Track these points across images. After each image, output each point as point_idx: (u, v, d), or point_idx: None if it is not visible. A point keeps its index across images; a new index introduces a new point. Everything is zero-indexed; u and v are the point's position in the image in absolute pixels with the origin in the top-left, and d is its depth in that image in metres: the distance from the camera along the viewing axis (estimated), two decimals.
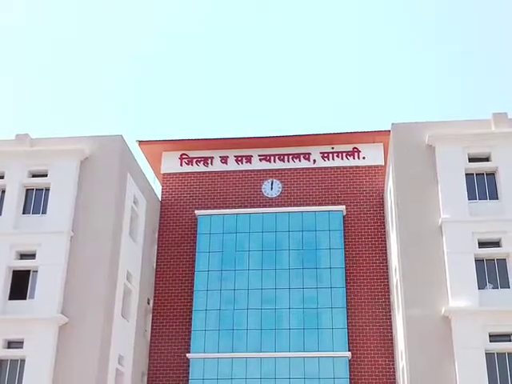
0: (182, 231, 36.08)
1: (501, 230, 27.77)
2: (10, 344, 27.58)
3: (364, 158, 36.15)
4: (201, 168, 37.12)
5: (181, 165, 37.23)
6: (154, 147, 37.17)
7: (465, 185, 28.57)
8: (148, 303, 34.02)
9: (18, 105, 73.15)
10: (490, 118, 29.79)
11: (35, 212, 30.01)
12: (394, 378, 31.40)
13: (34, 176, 30.49)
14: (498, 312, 26.42)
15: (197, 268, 34.80)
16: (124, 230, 30.71)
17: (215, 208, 36.14)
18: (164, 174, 37.35)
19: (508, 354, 26.10)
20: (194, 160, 37.23)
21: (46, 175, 30.22)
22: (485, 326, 26.06)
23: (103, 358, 27.43)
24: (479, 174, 29.27)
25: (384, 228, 34.61)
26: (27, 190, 30.47)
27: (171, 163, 37.30)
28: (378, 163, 35.87)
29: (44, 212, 29.70)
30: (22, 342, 27.26)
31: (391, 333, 32.29)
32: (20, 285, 28.67)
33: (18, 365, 27.15)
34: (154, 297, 34.62)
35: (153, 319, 34.14)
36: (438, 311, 26.58)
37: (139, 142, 36.70)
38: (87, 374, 26.54)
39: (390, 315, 32.61)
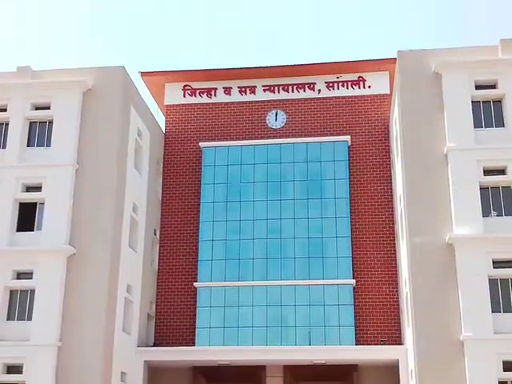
0: (186, 163, 36.12)
1: (506, 158, 27.71)
2: (20, 275, 28.05)
3: (369, 86, 35.74)
4: (204, 99, 36.84)
5: (184, 96, 36.94)
6: (156, 79, 36.82)
7: (471, 112, 28.34)
8: (155, 234, 34.37)
9: (18, 37, 72.17)
10: (498, 45, 29.32)
11: (39, 145, 30.02)
12: (398, 305, 31.93)
13: (36, 109, 30.34)
14: (501, 239, 26.62)
15: (202, 199, 35.00)
16: (129, 162, 30.73)
17: (219, 140, 36.07)
18: (167, 106, 37.12)
19: (511, 279, 26.47)
20: (197, 91, 36.93)
21: (49, 108, 30.05)
22: (488, 253, 26.31)
23: (112, 287, 27.89)
24: (486, 102, 28.99)
25: (389, 157, 34.54)
26: (30, 122, 30.34)
27: (174, 95, 37.01)
28: (383, 92, 35.45)
29: (48, 145, 29.70)
30: (32, 273, 27.72)
31: (395, 261, 32.66)
32: (27, 217, 28.92)
33: (28, 295, 27.67)
34: (161, 228, 34.95)
35: (160, 250, 34.58)
36: (442, 239, 26.79)
37: (141, 73, 36.34)
38: (97, 303, 27.04)
39: (395, 244, 32.91)
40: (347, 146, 34.96)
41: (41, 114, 30.15)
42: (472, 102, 28.58)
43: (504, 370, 24.97)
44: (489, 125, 28.61)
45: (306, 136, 35.47)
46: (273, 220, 34.08)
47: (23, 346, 26.51)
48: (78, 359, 26.26)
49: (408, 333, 28.37)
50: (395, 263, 32.65)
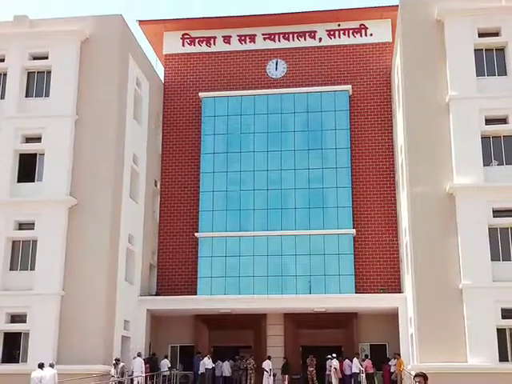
0: (186, 114, 35.92)
1: (508, 107, 27.51)
2: (21, 225, 28.16)
3: (371, 34, 35.25)
4: (203, 48, 36.41)
5: (183, 45, 36.51)
6: (154, 27, 36.38)
7: (473, 61, 28.01)
8: (155, 185, 34.40)
9: None
10: None
11: (38, 95, 29.76)
12: (398, 254, 32.16)
13: (34, 58, 30.00)
14: (502, 188, 26.60)
15: (203, 150, 34.92)
16: (128, 112, 30.53)
17: (219, 90, 35.76)
18: (166, 55, 36.71)
19: (511, 228, 26.57)
20: (196, 40, 36.47)
21: (47, 57, 29.71)
22: (489, 202, 26.35)
23: (113, 237, 28.03)
24: (488, 50, 28.63)
25: (390, 107, 34.31)
26: (29, 72, 30.04)
27: (173, 44, 36.59)
28: (385, 40, 35.01)
29: (47, 95, 29.44)
30: (33, 224, 27.81)
31: (395, 211, 32.76)
32: (27, 168, 28.87)
33: (31, 245, 27.83)
34: (162, 179, 34.97)
35: (161, 201, 34.66)
36: (442, 188, 26.80)
37: (139, 21, 35.87)
38: (99, 253, 27.19)
39: (395, 193, 32.96)
40: (348, 95, 34.69)
41: (39, 64, 29.83)
42: (474, 50, 28.22)
43: (502, 318, 25.27)
44: (491, 73, 28.31)
45: (306, 85, 35.17)
46: (273, 171, 34.06)
47: (27, 296, 26.79)
48: (81, 308, 26.55)
49: (407, 281, 28.63)
50: (395, 213, 32.77)
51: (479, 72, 28.11)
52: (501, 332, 25.28)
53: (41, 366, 22.35)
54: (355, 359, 29.20)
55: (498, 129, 27.47)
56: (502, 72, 28.24)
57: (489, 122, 27.43)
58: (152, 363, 28.79)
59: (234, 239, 33.16)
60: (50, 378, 21.90)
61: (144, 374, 26.68)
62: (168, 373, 28.53)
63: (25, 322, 26.73)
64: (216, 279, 32.68)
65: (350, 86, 34.68)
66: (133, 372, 26.63)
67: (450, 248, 26.16)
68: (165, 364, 29.30)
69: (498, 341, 24.97)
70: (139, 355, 27.65)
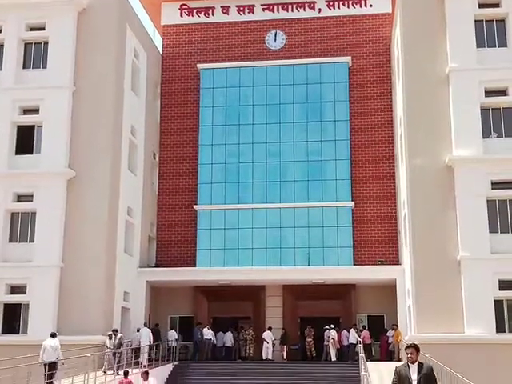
0: (184, 85, 35.69)
1: (508, 79, 27.42)
2: (20, 197, 28.14)
3: (371, 5, 34.82)
4: (202, 19, 36.04)
5: (181, 16, 36.14)
6: None
7: (474, 32, 27.81)
8: (154, 157, 34.31)
9: None
10: None
11: (35, 67, 29.54)
12: (396, 226, 32.22)
13: (31, 29, 29.74)
14: (501, 160, 26.59)
15: (201, 123, 34.77)
16: (126, 84, 30.33)
17: (217, 61, 35.50)
18: (164, 26, 36.36)
19: (509, 200, 26.62)
20: (195, 11, 36.09)
21: (44, 28, 29.42)
22: (487, 174, 26.35)
23: (112, 209, 28.04)
24: (489, 21, 28.41)
25: (390, 79, 34.08)
26: (26, 44, 29.80)
27: (171, 14, 36.21)
28: (385, 11, 34.56)
29: (44, 66, 29.22)
30: (32, 196, 27.79)
31: (394, 183, 32.74)
32: (25, 140, 28.76)
33: (30, 217, 27.85)
34: (160, 151, 34.87)
35: (159, 173, 34.60)
36: (441, 160, 26.78)
37: None
38: (98, 225, 27.20)
39: (394, 166, 32.90)
40: (348, 67, 34.45)
41: (36, 35, 29.57)
42: (475, 21, 28.01)
43: (500, 289, 25.43)
44: (491, 45, 28.17)
45: (305, 57, 34.90)
46: (272, 143, 33.96)
47: (26, 268, 26.89)
48: (80, 279, 26.65)
49: (405, 253, 28.73)
50: (394, 185, 32.74)
51: (479, 43, 27.95)
52: (498, 303, 25.45)
53: (53, 335, 22.33)
54: (352, 330, 29.42)
55: (497, 101, 27.37)
56: (503, 43, 28.09)
57: (488, 93, 27.32)
58: (155, 333, 29.03)
59: (232, 212, 33.18)
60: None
61: (151, 343, 26.88)
62: (173, 343, 28.83)
63: (25, 293, 26.86)
64: (215, 251, 32.77)
65: (350, 58, 34.43)
66: (140, 342, 26.86)
67: (448, 220, 26.23)
68: (172, 335, 29.59)
69: (495, 312, 25.17)
70: (145, 325, 27.87)
